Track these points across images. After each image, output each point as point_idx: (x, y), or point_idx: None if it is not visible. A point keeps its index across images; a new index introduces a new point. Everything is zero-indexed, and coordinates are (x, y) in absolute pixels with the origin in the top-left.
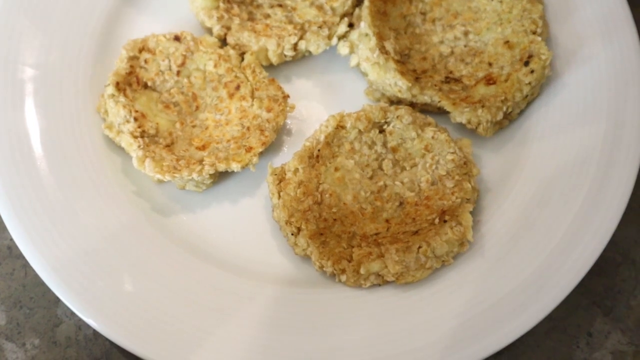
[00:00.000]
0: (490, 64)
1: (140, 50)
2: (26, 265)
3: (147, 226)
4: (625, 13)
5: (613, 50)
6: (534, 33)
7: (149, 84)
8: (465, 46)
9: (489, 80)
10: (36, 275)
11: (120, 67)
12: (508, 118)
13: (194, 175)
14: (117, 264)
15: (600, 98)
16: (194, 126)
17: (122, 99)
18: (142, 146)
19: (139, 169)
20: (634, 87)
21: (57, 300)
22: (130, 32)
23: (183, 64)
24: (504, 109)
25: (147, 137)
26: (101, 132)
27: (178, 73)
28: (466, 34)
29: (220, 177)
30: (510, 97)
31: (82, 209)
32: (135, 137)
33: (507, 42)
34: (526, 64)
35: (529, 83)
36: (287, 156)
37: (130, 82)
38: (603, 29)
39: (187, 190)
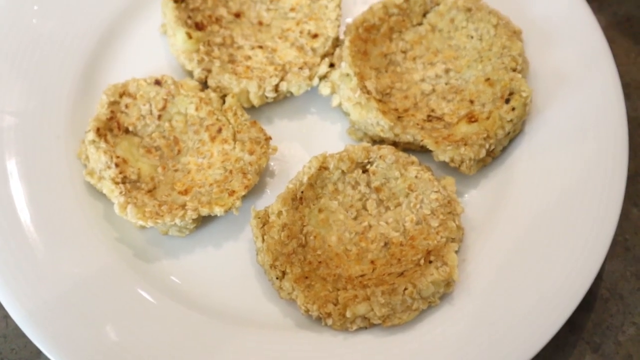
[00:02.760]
0: (471, 102)
1: (121, 95)
2: (7, 316)
3: (130, 273)
4: (604, 48)
5: (593, 85)
6: (514, 70)
7: (130, 128)
8: (446, 84)
9: (471, 118)
10: (17, 326)
11: (101, 112)
12: (491, 155)
13: (177, 221)
14: (99, 313)
15: (581, 133)
16: (176, 170)
17: (103, 144)
18: (123, 192)
19: (121, 215)
20: (614, 122)
21: (39, 352)
22: (110, 76)
23: (164, 107)
24: (487, 146)
25: (128, 182)
26: (82, 178)
27: (159, 117)
28: (447, 71)
29: (203, 221)
30: (492, 134)
31: (63, 258)
32: (117, 183)
33: (487, 79)
34: (507, 101)
35: (511, 120)
36: (270, 199)
37: (111, 128)
38: (582, 64)
39: (170, 236)
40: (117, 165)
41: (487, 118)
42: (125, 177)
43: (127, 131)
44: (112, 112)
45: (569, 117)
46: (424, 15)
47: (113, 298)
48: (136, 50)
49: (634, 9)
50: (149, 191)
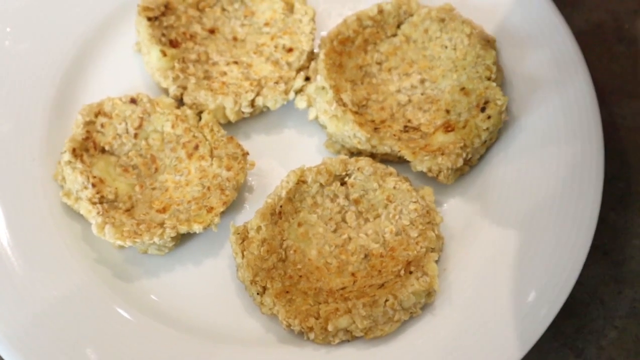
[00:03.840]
0: (447, 111)
1: (97, 115)
2: None
3: (110, 293)
4: (577, 54)
5: (567, 91)
6: (489, 79)
7: (107, 148)
8: (422, 94)
9: (447, 128)
10: None
11: (77, 132)
12: (468, 164)
13: (156, 239)
14: (79, 335)
15: (557, 140)
16: (153, 188)
17: (79, 165)
18: (101, 212)
19: (99, 236)
20: (589, 127)
21: None
22: (85, 96)
23: (140, 126)
24: (464, 155)
25: (106, 202)
26: (59, 200)
27: (135, 136)
28: (422, 82)
29: (182, 239)
30: (469, 143)
31: (41, 280)
32: (94, 203)
33: (463, 88)
34: (483, 109)
35: (487, 129)
36: (249, 214)
37: (87, 148)
38: (556, 71)
39: (149, 254)
40: (93, 185)
41: (464, 127)
42: (102, 197)
43: (103, 151)
44: (87, 132)
45: (544, 124)
46: (398, 26)
47: (92, 319)
48: (111, 69)
49: (605, 15)
50: (127, 210)
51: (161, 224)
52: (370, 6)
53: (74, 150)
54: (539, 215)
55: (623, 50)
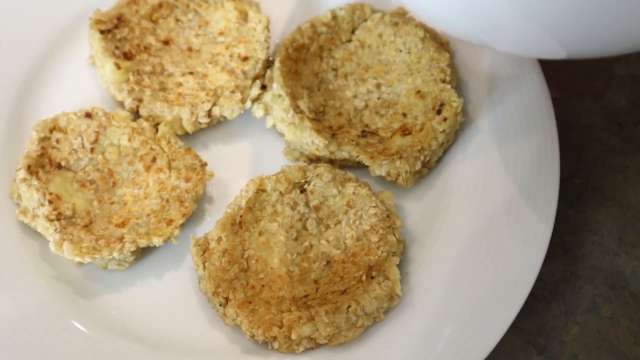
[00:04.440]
0: (404, 115)
1: (51, 130)
2: None
3: (71, 311)
4: None
5: (521, 91)
6: (444, 81)
7: (63, 163)
8: (378, 98)
9: (405, 131)
10: None
11: (31, 149)
12: (427, 167)
13: (115, 254)
14: (40, 355)
15: (513, 139)
16: (112, 203)
17: (35, 182)
18: (58, 229)
19: (57, 253)
20: (544, 126)
21: None
22: (39, 112)
23: (96, 140)
24: (422, 158)
25: (63, 219)
26: (15, 218)
27: (92, 150)
28: (378, 86)
29: (142, 253)
30: (426, 146)
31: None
32: (51, 220)
33: (418, 91)
34: (439, 112)
35: (443, 131)
36: (209, 225)
37: (43, 164)
38: (509, 71)
39: (110, 270)
40: (50, 202)
41: (421, 130)
42: (59, 213)
43: (59, 166)
44: (42, 148)
45: (499, 124)
46: (353, 32)
47: (53, 337)
48: (65, 83)
49: None
50: (85, 226)
51: (120, 239)
52: (324, 12)
53: (29, 167)
54: (498, 214)
55: None
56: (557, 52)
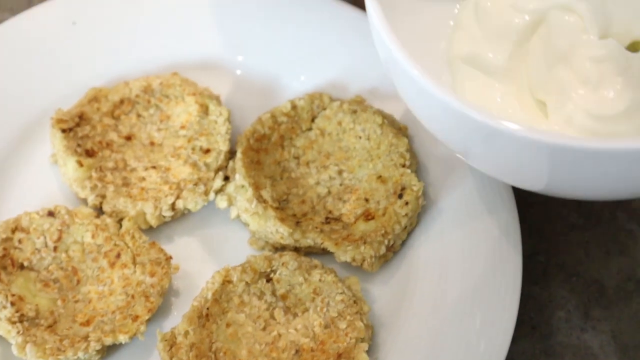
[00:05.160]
0: (367, 200)
1: (13, 231)
2: None
3: None
4: None
5: (479, 172)
6: (404, 166)
7: (25, 264)
8: (340, 185)
9: (368, 216)
10: None
11: None
12: (391, 250)
13: (80, 354)
14: None
15: (474, 220)
16: (76, 301)
17: None
18: (21, 331)
19: (20, 356)
20: (504, 205)
21: None
22: (0, 213)
23: (59, 239)
24: (386, 242)
25: (26, 320)
26: None
27: (55, 249)
28: (340, 172)
29: (108, 350)
30: (389, 230)
31: None
32: (14, 322)
33: (379, 176)
34: (400, 196)
35: (406, 214)
36: (177, 319)
37: (5, 265)
38: None
39: None
40: (12, 304)
41: (383, 214)
42: (22, 315)
43: (22, 267)
44: (4, 249)
45: (460, 205)
46: (313, 120)
47: None
48: (26, 182)
49: None
50: (49, 326)
51: (85, 338)
52: (283, 103)
53: None
54: (464, 294)
55: None
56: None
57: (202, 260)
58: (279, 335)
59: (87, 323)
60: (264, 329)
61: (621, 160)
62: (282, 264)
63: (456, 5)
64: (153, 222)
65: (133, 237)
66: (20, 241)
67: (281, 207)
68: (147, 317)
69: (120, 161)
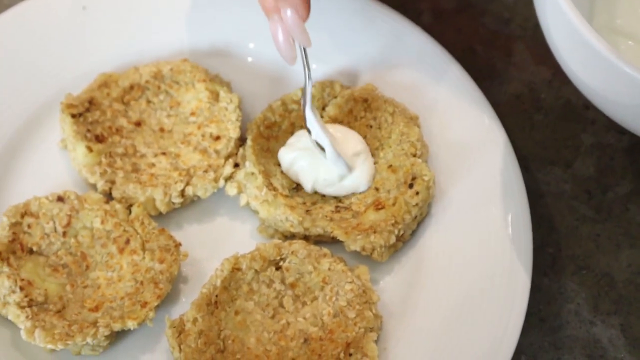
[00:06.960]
0: (377, 189)
1: (23, 216)
2: None
3: None
4: (495, 124)
5: (490, 161)
6: (414, 155)
7: (34, 248)
8: None
9: (378, 206)
10: None
11: (2, 235)
12: (401, 240)
13: (89, 340)
14: None
15: (484, 210)
16: (85, 287)
17: (5, 268)
18: (30, 316)
19: (29, 341)
20: (514, 195)
21: None
22: (10, 197)
23: (69, 224)
24: (396, 232)
25: (35, 305)
26: None
27: (64, 234)
28: None
29: (117, 336)
30: (400, 220)
31: None
32: (23, 307)
33: (390, 166)
34: (411, 186)
35: (416, 204)
36: (185, 306)
37: (14, 250)
38: (477, 142)
39: (83, 355)
40: (22, 288)
41: (393, 204)
42: (31, 300)
43: (31, 251)
44: (14, 233)
45: (471, 195)
46: (323, 108)
47: None
48: (36, 167)
49: (522, 87)
50: (58, 312)
51: (94, 323)
52: (294, 90)
53: (0, 253)
54: (474, 285)
55: (542, 119)
56: None
57: (211, 247)
58: (288, 323)
59: (96, 309)
60: (273, 317)
61: None
62: (292, 252)
63: None
64: (162, 209)
65: (142, 223)
66: (29, 226)
67: (291, 195)
68: (155, 304)
69: (130, 147)
